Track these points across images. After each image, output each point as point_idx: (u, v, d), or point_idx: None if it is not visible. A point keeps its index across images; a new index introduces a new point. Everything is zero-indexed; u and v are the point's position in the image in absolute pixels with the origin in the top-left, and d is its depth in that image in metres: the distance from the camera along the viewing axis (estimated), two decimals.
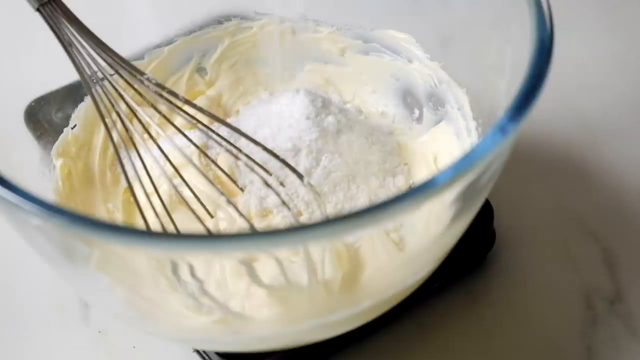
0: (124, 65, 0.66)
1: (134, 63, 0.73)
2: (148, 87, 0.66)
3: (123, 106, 0.66)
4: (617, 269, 0.73)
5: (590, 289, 0.72)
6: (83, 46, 0.65)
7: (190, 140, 0.68)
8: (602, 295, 0.71)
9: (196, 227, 0.65)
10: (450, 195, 0.53)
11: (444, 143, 0.71)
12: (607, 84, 0.83)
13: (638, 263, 0.73)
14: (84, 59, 0.65)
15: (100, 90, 0.65)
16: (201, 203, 0.67)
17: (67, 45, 0.64)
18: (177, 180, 0.67)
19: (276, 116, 0.71)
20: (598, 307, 0.71)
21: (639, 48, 0.86)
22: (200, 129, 0.67)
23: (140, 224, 0.64)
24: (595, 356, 0.68)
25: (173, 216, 0.65)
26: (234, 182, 0.69)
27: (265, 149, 0.67)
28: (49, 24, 0.64)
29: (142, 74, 0.67)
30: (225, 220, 0.67)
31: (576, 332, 0.69)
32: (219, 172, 0.69)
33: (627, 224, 0.75)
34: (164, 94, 0.67)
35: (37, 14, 0.64)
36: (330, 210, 0.68)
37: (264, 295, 0.58)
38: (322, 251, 0.58)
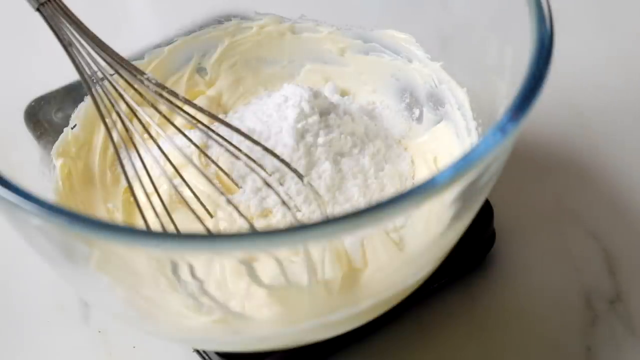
0: (124, 65, 0.66)
1: (134, 63, 0.73)
2: (148, 86, 0.66)
3: (123, 106, 0.66)
4: (617, 269, 0.73)
5: (590, 289, 0.72)
6: (83, 46, 0.65)
7: (190, 140, 0.68)
8: (602, 295, 0.71)
9: (196, 227, 0.65)
10: (450, 195, 0.53)
11: (444, 143, 0.71)
12: (607, 84, 0.83)
13: (638, 263, 0.73)
14: (84, 58, 0.65)
15: (100, 90, 0.65)
16: (201, 203, 0.67)
17: (67, 45, 0.64)
18: (177, 180, 0.67)
19: (274, 115, 0.71)
20: (598, 307, 0.71)
21: (639, 48, 0.86)
22: (200, 129, 0.67)
23: (140, 223, 0.64)
24: (595, 356, 0.68)
25: (173, 216, 0.65)
26: (234, 182, 0.69)
27: (265, 148, 0.67)
28: (49, 23, 0.64)
29: (142, 73, 0.67)
30: (225, 220, 0.67)
31: (576, 332, 0.69)
32: (219, 172, 0.69)
33: (627, 224, 0.75)
34: (164, 93, 0.67)
35: (37, 13, 0.64)
36: (329, 210, 0.67)
37: (264, 295, 0.58)
38: (322, 251, 0.58)
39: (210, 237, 0.51)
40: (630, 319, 0.70)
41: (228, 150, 0.67)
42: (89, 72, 0.65)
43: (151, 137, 0.67)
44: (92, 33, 0.65)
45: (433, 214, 0.56)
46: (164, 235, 0.52)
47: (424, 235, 0.59)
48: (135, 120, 0.68)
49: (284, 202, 0.67)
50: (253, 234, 0.49)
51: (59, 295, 0.71)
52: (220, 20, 0.78)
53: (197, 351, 0.67)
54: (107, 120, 0.65)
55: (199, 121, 0.67)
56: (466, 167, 0.50)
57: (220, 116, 0.73)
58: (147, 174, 0.66)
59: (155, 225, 0.63)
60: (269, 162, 0.68)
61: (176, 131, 0.68)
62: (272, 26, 0.78)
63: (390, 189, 0.70)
